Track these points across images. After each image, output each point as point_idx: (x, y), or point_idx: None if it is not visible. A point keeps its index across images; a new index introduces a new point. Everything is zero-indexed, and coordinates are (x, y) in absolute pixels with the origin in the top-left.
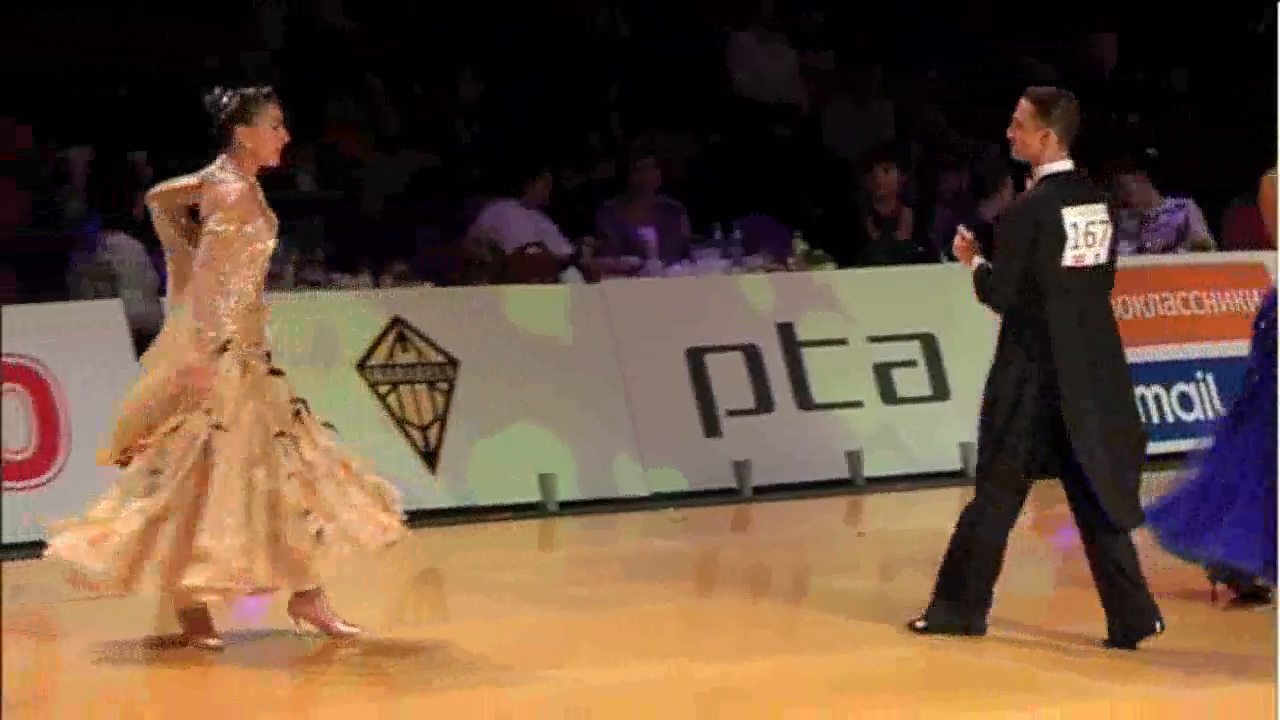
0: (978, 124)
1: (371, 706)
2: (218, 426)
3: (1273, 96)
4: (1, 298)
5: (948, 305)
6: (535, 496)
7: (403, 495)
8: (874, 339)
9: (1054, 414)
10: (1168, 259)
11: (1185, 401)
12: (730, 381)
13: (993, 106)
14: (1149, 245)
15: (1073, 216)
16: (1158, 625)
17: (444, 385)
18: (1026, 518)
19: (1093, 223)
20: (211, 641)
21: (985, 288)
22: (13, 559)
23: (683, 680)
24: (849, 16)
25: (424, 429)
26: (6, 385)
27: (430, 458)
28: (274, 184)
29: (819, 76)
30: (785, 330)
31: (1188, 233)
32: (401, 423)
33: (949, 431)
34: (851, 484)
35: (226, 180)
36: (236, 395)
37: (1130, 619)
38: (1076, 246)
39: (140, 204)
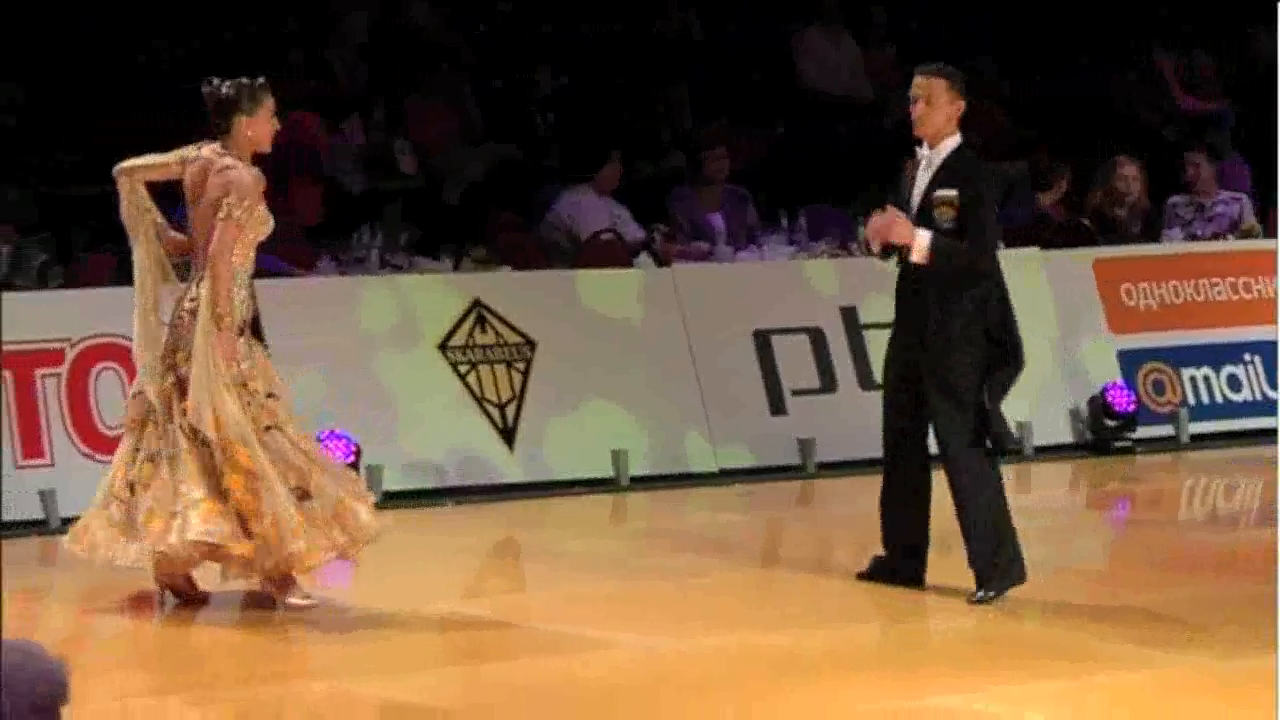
0: (1036, 117)
1: (453, 671)
2: (270, 395)
3: (1273, 98)
4: (102, 279)
5: None
6: (608, 472)
7: (481, 469)
8: None
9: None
10: (1218, 245)
11: (1234, 383)
12: (795, 362)
13: (1053, 101)
14: (1200, 233)
15: None
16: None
17: (521, 365)
18: (1080, 494)
19: None
20: (303, 601)
21: (967, 253)
22: None
23: (749, 649)
24: (911, 12)
25: (502, 407)
26: (104, 364)
27: (508, 434)
28: (372, 173)
29: (882, 70)
30: (848, 313)
31: (1240, 224)
32: (480, 401)
33: (1006, 410)
34: None
35: (236, 166)
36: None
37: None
38: None
39: None
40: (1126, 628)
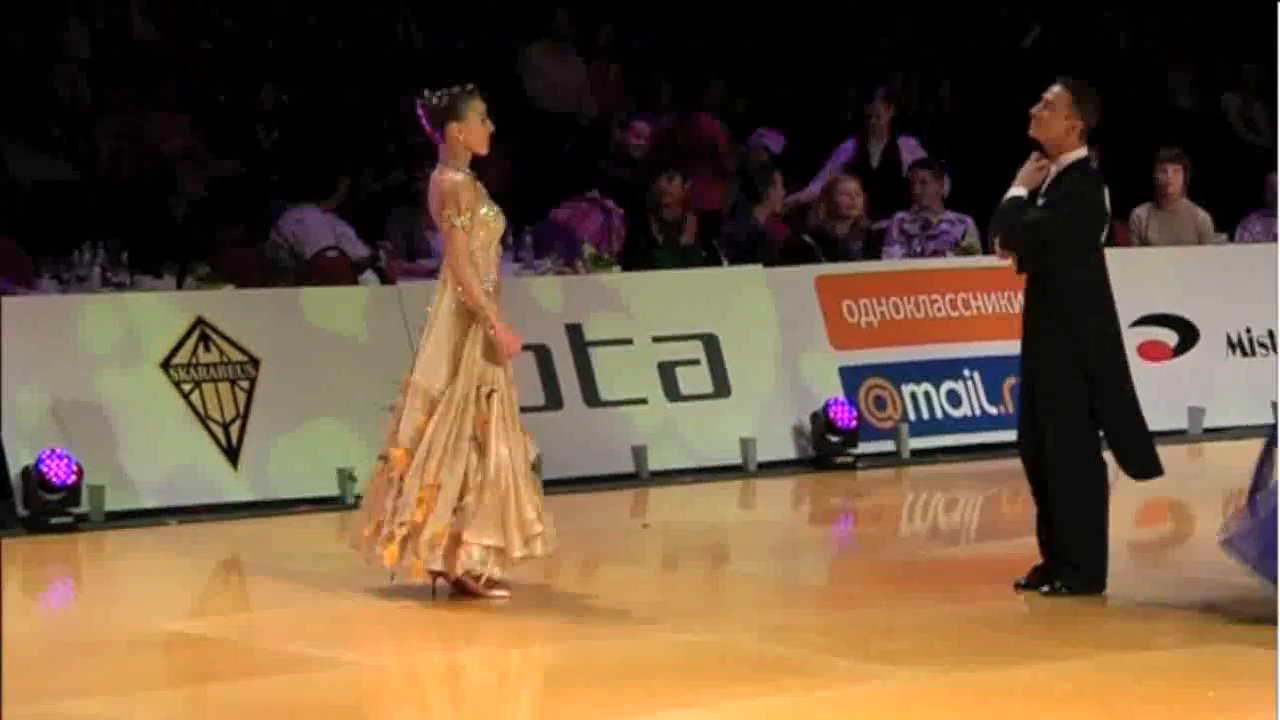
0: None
1: (177, 693)
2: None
3: (1273, 99)
4: None
5: (729, 306)
6: (334, 490)
7: (205, 488)
8: (658, 339)
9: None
10: (938, 262)
11: (953, 398)
12: (521, 379)
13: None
14: (922, 251)
15: (1107, 200)
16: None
17: (245, 383)
18: (803, 511)
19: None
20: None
21: (1016, 225)
22: None
23: (473, 663)
24: (638, 30)
25: (226, 425)
26: None
27: (232, 453)
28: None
29: (608, 87)
30: (573, 330)
31: (960, 244)
32: (204, 419)
33: (730, 427)
34: (637, 478)
35: (444, 176)
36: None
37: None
38: (1109, 226)
39: None
40: (851, 643)
